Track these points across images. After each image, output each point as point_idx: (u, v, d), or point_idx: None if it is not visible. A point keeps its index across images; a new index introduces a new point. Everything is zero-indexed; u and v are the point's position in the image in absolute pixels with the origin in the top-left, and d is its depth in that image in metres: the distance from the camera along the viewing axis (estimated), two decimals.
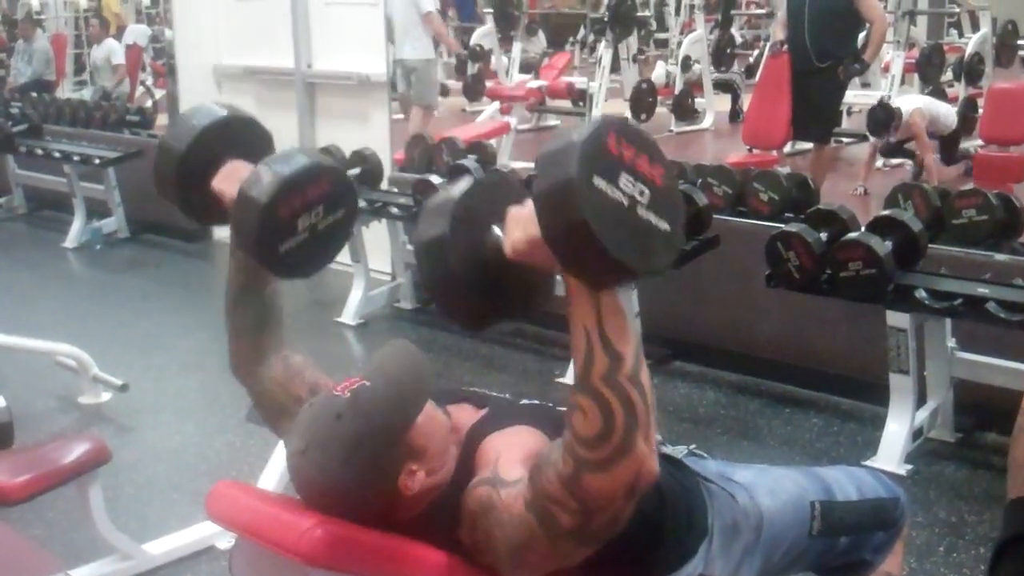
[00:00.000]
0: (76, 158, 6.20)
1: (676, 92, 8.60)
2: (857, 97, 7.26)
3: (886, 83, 6.90)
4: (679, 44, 9.19)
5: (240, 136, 1.68)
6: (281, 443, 1.71)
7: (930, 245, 3.30)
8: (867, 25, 5.59)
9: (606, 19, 7.76)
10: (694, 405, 3.81)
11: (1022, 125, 5.95)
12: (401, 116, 7.09)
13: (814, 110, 5.68)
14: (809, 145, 6.24)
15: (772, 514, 1.70)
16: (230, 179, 1.61)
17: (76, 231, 6.32)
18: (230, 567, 1.63)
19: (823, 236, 3.31)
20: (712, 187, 4.01)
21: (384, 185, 4.84)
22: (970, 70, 7.25)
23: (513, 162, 6.58)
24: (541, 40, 10.40)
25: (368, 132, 5.29)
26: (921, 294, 3.14)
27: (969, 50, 7.32)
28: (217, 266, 5.64)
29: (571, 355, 1.27)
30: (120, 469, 3.05)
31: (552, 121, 9.12)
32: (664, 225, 1.24)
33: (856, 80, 6.41)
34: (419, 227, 1.40)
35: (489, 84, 9.07)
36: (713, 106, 8.81)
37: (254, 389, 1.70)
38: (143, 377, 4.04)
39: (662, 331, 3.98)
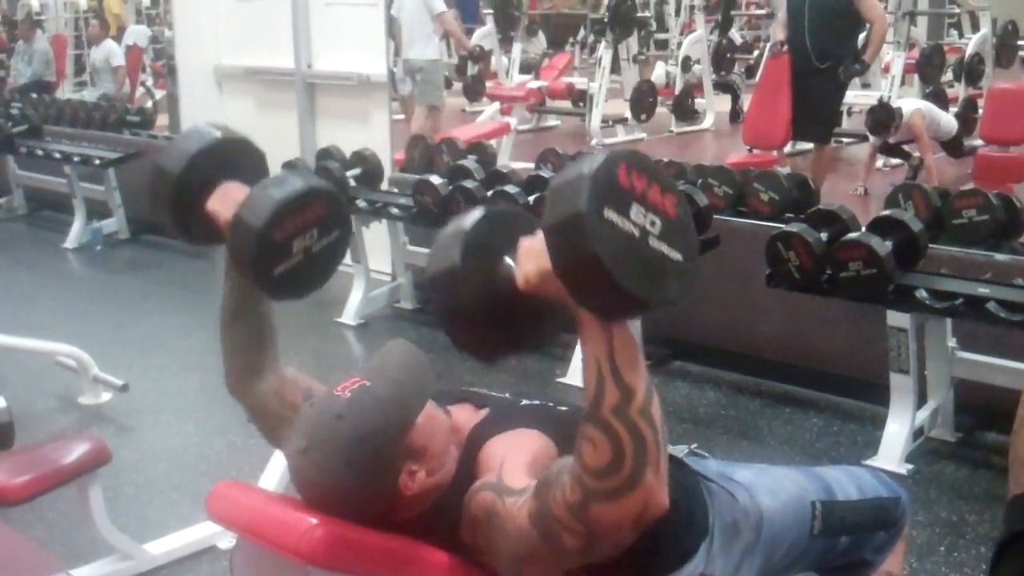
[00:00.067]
0: (76, 159, 6.20)
1: (676, 92, 8.60)
2: (857, 97, 7.27)
3: (886, 83, 6.90)
4: (679, 45, 9.20)
5: (234, 157, 1.70)
6: None
7: (930, 245, 3.29)
8: (867, 25, 5.60)
9: (606, 20, 7.77)
10: (694, 405, 3.81)
11: (1022, 125, 5.95)
12: (401, 116, 7.10)
13: (814, 110, 5.68)
14: (809, 145, 6.24)
15: (772, 514, 1.70)
16: (224, 200, 1.62)
17: (76, 232, 6.32)
18: (231, 567, 1.63)
19: (823, 236, 3.31)
20: (712, 187, 4.01)
21: (384, 185, 4.84)
22: (970, 70, 7.26)
23: (513, 162, 6.57)
24: (541, 41, 10.41)
25: (368, 132, 5.29)
26: (921, 294, 3.14)
27: (969, 50, 7.33)
28: (217, 267, 5.64)
29: (583, 385, 1.26)
30: (120, 469, 3.05)
31: (552, 121, 9.14)
32: (676, 255, 1.23)
33: (856, 80, 6.42)
34: (430, 259, 1.39)
35: (489, 84, 9.09)
36: (713, 106, 8.82)
37: (249, 404, 1.71)
38: (143, 377, 4.04)
39: (662, 331, 3.98)
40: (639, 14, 8.54)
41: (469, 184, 4.15)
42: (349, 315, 4.73)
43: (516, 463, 1.43)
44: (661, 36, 10.20)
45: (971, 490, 3.12)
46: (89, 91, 8.85)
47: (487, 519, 1.39)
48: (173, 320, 4.88)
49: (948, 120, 6.31)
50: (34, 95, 7.95)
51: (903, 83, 7.06)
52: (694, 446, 1.83)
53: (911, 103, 6.31)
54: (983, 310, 3.04)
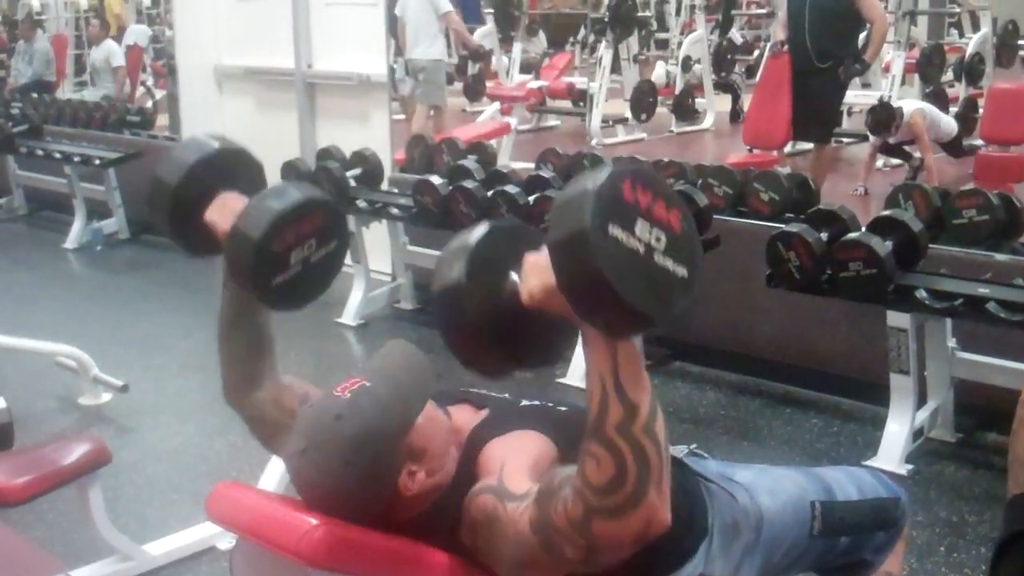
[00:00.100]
0: (76, 159, 6.20)
1: (676, 92, 8.59)
2: (857, 97, 7.26)
3: (886, 83, 6.90)
4: (679, 44, 9.19)
5: (231, 167, 1.71)
6: None
7: (931, 245, 3.29)
8: (867, 25, 5.59)
9: (606, 19, 7.76)
10: (694, 405, 3.81)
11: (1023, 125, 5.95)
12: (401, 116, 7.10)
13: (814, 110, 5.67)
14: (809, 145, 6.24)
15: (772, 514, 1.70)
16: (222, 211, 1.63)
17: (76, 232, 6.32)
18: (231, 568, 1.63)
19: (823, 236, 3.31)
20: (712, 187, 4.01)
21: (384, 185, 4.84)
22: (971, 70, 7.25)
23: (513, 162, 6.57)
24: (541, 40, 10.40)
25: (368, 132, 5.29)
26: (921, 294, 3.14)
27: (970, 50, 7.33)
28: (217, 266, 5.64)
29: (586, 400, 1.25)
30: (120, 470, 3.05)
31: (552, 121, 9.13)
32: (681, 270, 1.22)
33: (856, 80, 6.41)
34: (435, 274, 1.39)
35: (489, 84, 9.08)
36: (713, 106, 8.81)
37: (247, 414, 1.71)
38: (143, 378, 4.04)
39: (662, 331, 3.98)
40: (639, 14, 8.54)
41: (469, 184, 4.15)
42: (349, 315, 4.73)
43: (517, 466, 1.43)
44: (662, 36, 10.18)
45: (971, 490, 3.12)
46: (90, 91, 8.84)
47: (487, 523, 1.39)
48: (173, 320, 4.89)
49: (948, 121, 6.31)
50: (34, 95, 7.95)
51: (903, 83, 7.06)
52: (694, 446, 1.83)
53: (912, 103, 6.31)
54: (983, 310, 3.04)
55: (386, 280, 4.98)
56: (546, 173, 4.33)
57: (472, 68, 9.03)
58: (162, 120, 7.31)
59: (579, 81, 8.92)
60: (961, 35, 8.58)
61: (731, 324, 4.03)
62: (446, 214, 4.15)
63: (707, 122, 8.75)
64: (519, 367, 1.43)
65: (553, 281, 1.21)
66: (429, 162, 4.90)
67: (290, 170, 4.67)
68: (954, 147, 6.36)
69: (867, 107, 6.44)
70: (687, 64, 8.77)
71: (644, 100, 8.04)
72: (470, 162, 4.53)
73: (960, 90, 7.33)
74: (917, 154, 6.22)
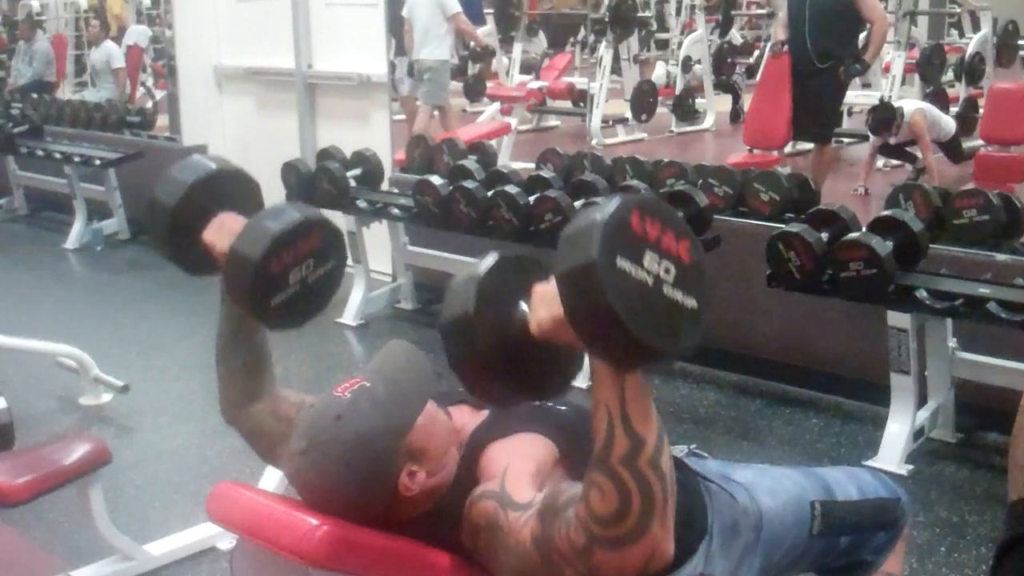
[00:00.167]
0: (77, 159, 6.19)
1: (677, 92, 8.60)
2: (858, 97, 7.27)
3: (887, 83, 6.91)
4: (680, 44, 9.19)
5: (229, 188, 1.72)
6: None
7: (931, 245, 3.29)
8: (868, 25, 5.59)
9: (607, 20, 7.76)
10: (694, 405, 3.81)
11: (1022, 125, 5.95)
12: (402, 116, 7.11)
13: (815, 110, 5.68)
14: (810, 145, 6.24)
15: (772, 514, 1.70)
16: (220, 231, 1.64)
17: (77, 232, 6.32)
18: (231, 568, 1.63)
19: (824, 236, 3.31)
20: (713, 187, 4.01)
21: (385, 186, 4.84)
22: (971, 70, 7.26)
23: (513, 162, 6.57)
24: (542, 41, 10.39)
25: (369, 132, 5.29)
26: (922, 294, 3.14)
27: (970, 50, 7.33)
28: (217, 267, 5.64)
29: (592, 430, 1.24)
30: (121, 470, 3.05)
31: (553, 122, 9.13)
32: (691, 302, 1.20)
33: (857, 80, 6.42)
34: (443, 306, 1.38)
35: (490, 85, 9.08)
36: (714, 106, 8.81)
37: (245, 428, 1.72)
38: (144, 378, 4.04)
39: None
40: (640, 14, 8.53)
41: (469, 184, 4.14)
42: (349, 316, 4.73)
43: (519, 472, 1.43)
44: (662, 36, 10.17)
45: (971, 491, 3.12)
46: (90, 92, 8.84)
47: (489, 529, 1.39)
48: (174, 321, 4.88)
49: (948, 122, 6.32)
50: (35, 95, 7.95)
51: (903, 83, 7.06)
52: (694, 446, 1.83)
53: (912, 103, 6.31)
54: (983, 310, 3.04)
55: (386, 280, 4.98)
56: (546, 173, 4.33)
57: (472, 68, 9.03)
58: (162, 121, 7.30)
59: (579, 81, 8.93)
60: (961, 35, 8.58)
61: (731, 324, 4.02)
62: (446, 214, 4.15)
63: (707, 122, 8.75)
64: (528, 397, 1.42)
65: (562, 312, 1.19)
66: (429, 162, 4.90)
67: (290, 170, 4.67)
68: (953, 152, 6.35)
69: (867, 107, 6.45)
70: (687, 64, 8.77)
71: (644, 100, 8.04)
72: (470, 162, 4.53)
73: (960, 90, 7.33)
74: (920, 155, 6.22)
